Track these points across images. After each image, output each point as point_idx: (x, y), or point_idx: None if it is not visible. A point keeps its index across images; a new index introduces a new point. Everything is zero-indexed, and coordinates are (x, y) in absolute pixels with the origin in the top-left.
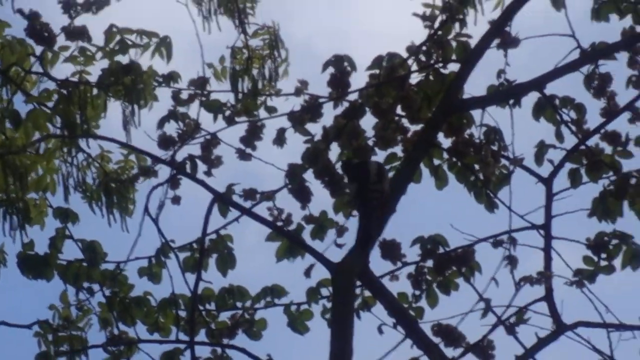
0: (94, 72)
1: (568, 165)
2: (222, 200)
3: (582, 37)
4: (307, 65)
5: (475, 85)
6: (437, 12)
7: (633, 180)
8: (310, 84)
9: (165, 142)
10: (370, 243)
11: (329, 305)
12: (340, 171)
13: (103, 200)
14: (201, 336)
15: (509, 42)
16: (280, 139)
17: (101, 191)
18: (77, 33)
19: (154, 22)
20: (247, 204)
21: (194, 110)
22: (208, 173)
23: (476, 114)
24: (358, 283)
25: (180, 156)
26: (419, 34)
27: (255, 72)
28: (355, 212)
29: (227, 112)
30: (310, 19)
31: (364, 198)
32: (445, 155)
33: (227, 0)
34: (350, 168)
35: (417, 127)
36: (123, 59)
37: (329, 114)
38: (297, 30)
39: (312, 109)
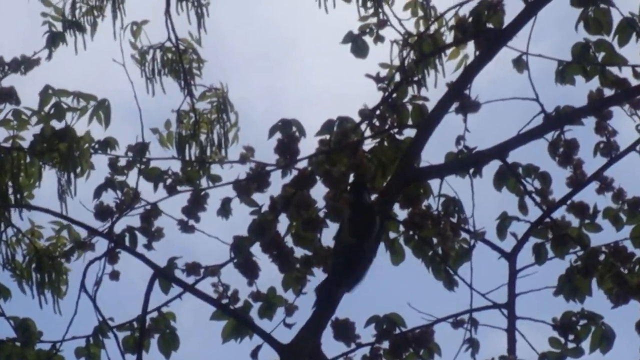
0: (28, 137)
1: (532, 240)
2: (164, 275)
3: (547, 101)
4: (248, 130)
5: (433, 152)
6: (393, 71)
7: (602, 256)
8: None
9: (102, 212)
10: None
11: None
12: (289, 244)
13: (34, 279)
14: None
15: (468, 106)
16: (225, 210)
17: (31, 269)
18: (5, 95)
19: (92, 83)
20: (190, 280)
21: (132, 178)
22: (148, 246)
23: (434, 183)
24: None
25: (118, 228)
26: (373, 96)
27: (203, 137)
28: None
29: (168, 181)
30: (250, 80)
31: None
32: (401, 228)
33: (171, 60)
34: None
35: (372, 197)
36: (58, 124)
37: (277, 182)
38: (235, 92)
39: (258, 178)
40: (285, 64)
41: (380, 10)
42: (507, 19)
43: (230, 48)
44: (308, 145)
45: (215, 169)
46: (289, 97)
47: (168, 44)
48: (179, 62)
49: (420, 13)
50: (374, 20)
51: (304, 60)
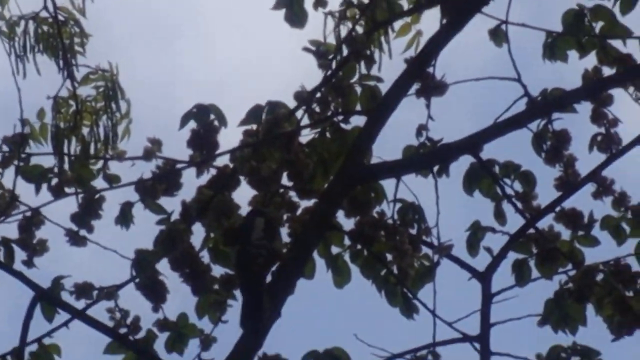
0: None
1: (512, 256)
2: (47, 298)
3: (531, 82)
4: (143, 121)
5: (387, 146)
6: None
7: (599, 276)
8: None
9: None
10: (259, 325)
11: None
12: (205, 260)
13: None
14: None
15: (432, 88)
16: (125, 217)
17: None
18: None
19: None
20: (81, 304)
21: (8, 178)
22: (28, 263)
23: (388, 184)
24: None
25: None
26: (313, 76)
27: (85, 131)
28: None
29: (54, 181)
30: (145, 59)
31: (245, 263)
32: (347, 241)
33: (48, 34)
34: (231, 234)
35: (309, 202)
36: None
37: (191, 183)
38: (126, 75)
39: (167, 177)
40: (190, 37)
41: None
42: None
43: (121, 20)
44: (230, 137)
45: (113, 167)
46: (197, 77)
47: (44, 14)
48: (57, 36)
49: None
50: None
51: (212, 32)
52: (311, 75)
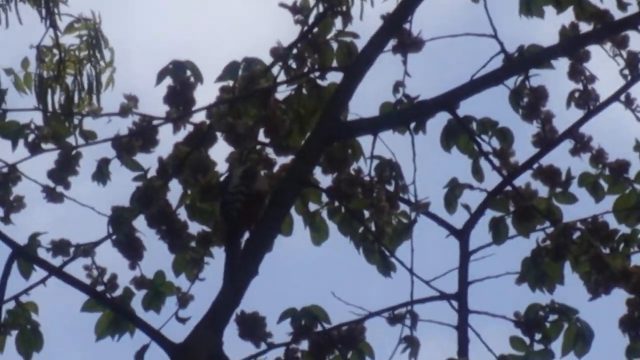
0: None
1: (489, 213)
2: (24, 255)
3: (507, 38)
4: (133, 75)
5: (364, 102)
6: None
7: (577, 234)
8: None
9: None
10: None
11: None
12: (182, 217)
13: None
14: None
15: (409, 44)
16: (101, 174)
17: None
18: None
19: None
20: (58, 262)
21: None
22: (5, 219)
23: (365, 141)
24: None
25: None
26: (288, 31)
27: (69, 80)
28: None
29: (30, 137)
30: (128, 7)
31: (224, 212)
32: (324, 198)
33: None
34: (208, 190)
35: (286, 158)
36: None
37: (167, 140)
38: (116, 28)
39: (143, 134)
40: None
41: None
42: None
43: None
44: (206, 94)
45: (88, 123)
46: (180, 30)
47: None
48: None
49: None
50: None
51: None
52: (288, 30)
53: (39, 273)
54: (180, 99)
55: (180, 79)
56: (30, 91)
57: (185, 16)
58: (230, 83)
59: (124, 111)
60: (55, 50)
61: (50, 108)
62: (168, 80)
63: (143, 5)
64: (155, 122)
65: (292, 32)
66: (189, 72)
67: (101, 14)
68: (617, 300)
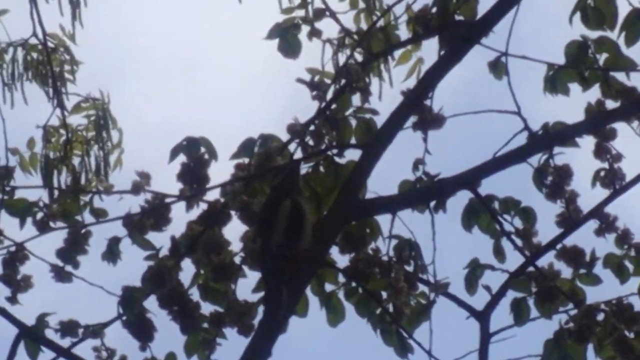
0: None
1: (511, 294)
2: (31, 336)
3: (532, 115)
4: (142, 150)
5: (383, 180)
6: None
7: (601, 316)
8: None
9: None
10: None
11: None
12: (195, 297)
13: None
14: None
15: (429, 121)
16: (112, 253)
17: None
18: None
19: None
20: (66, 343)
21: None
22: (12, 299)
23: (384, 220)
24: None
25: None
26: (307, 108)
27: (76, 161)
28: None
29: (39, 215)
30: (139, 87)
31: (266, 268)
32: (341, 278)
33: (37, 62)
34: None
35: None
36: None
37: (180, 218)
38: (119, 103)
39: (156, 212)
40: (180, 70)
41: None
42: (482, 9)
43: (115, 46)
44: (220, 171)
45: (98, 201)
46: (188, 111)
47: (33, 41)
48: (46, 63)
49: (362, 5)
50: (301, 13)
51: (203, 65)
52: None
53: (46, 354)
54: (194, 176)
55: (194, 155)
56: (35, 172)
57: (198, 91)
58: (246, 160)
59: (136, 189)
60: (62, 131)
61: (55, 192)
62: (182, 157)
63: (153, 82)
64: (168, 200)
65: (310, 107)
66: (203, 149)
67: (110, 93)
68: None
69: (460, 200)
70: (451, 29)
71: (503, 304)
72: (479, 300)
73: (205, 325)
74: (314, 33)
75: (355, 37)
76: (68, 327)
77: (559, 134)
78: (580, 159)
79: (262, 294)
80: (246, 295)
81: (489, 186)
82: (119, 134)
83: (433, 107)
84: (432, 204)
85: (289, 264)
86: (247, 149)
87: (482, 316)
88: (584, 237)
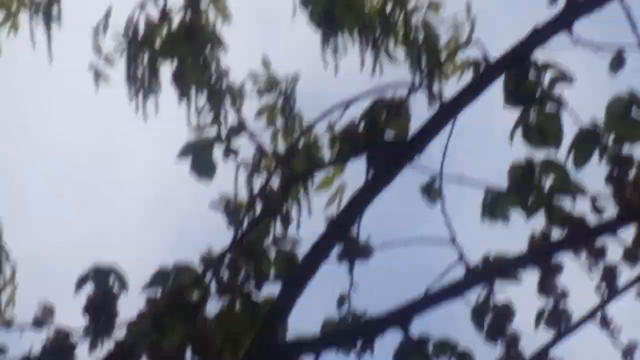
0: None
1: None
2: None
3: (469, 246)
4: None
5: (305, 317)
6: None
7: None
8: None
9: None
10: None
11: None
12: None
13: None
14: None
15: (355, 252)
16: None
17: None
18: None
19: None
20: None
21: None
22: None
23: None
24: None
25: None
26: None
27: None
28: None
29: None
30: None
31: None
32: None
33: None
34: None
35: None
36: None
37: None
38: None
39: (59, 354)
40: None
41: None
42: (414, 125)
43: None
44: (131, 303)
45: None
46: (93, 238)
47: None
48: None
49: (280, 122)
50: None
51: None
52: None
53: None
54: (101, 310)
55: (102, 286)
56: None
57: (108, 212)
58: (157, 295)
59: (38, 323)
60: None
61: None
62: (88, 287)
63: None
64: (72, 338)
65: (227, 235)
66: (112, 277)
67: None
68: None
69: (390, 340)
70: (380, 147)
71: None
72: None
73: None
74: (229, 151)
75: (273, 159)
76: None
77: (499, 268)
78: (525, 290)
79: None
80: None
81: (422, 325)
82: (12, 269)
83: (360, 235)
84: (359, 344)
85: None
86: (161, 280)
87: None
88: None
